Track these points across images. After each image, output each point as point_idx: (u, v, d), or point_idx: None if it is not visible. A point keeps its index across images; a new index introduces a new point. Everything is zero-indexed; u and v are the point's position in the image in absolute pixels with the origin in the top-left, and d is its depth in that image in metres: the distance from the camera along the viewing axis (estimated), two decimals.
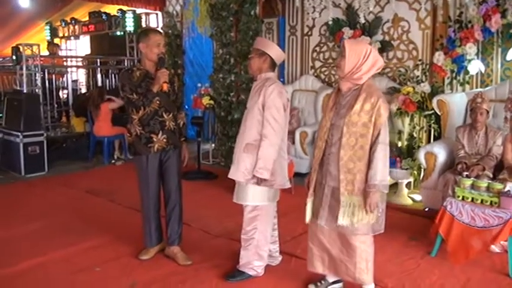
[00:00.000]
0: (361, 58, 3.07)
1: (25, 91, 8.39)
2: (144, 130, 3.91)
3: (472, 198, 4.05)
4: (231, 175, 3.68)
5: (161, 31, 4.32)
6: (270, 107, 3.50)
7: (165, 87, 3.82)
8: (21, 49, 8.52)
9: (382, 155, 3.04)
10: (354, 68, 3.09)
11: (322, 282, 3.54)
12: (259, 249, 3.73)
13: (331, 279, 3.53)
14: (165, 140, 3.95)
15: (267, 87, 3.53)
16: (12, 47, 8.68)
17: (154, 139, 3.92)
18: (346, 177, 3.11)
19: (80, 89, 11.19)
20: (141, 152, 3.97)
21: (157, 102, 3.87)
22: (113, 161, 8.36)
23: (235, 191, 3.77)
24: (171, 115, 3.98)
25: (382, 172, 3.04)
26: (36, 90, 8.68)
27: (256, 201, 3.65)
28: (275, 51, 3.68)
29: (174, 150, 4.05)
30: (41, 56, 9.11)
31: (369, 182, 3.05)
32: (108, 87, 10.75)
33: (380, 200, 3.13)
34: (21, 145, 7.33)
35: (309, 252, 3.53)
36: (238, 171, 3.61)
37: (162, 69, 3.82)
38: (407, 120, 5.96)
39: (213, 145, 8.19)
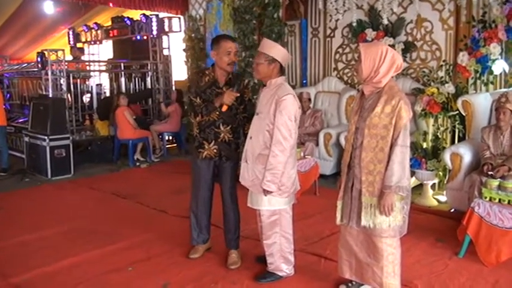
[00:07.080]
0: (377, 61, 3.05)
1: (51, 96, 8.54)
2: (200, 134, 3.96)
3: (499, 199, 4.04)
4: (244, 181, 3.69)
5: (233, 38, 4.24)
6: (282, 117, 3.41)
7: (225, 108, 3.78)
8: (46, 54, 8.67)
9: (400, 157, 3.01)
10: (372, 72, 3.08)
11: (353, 282, 3.54)
12: (284, 253, 3.73)
13: None
14: (215, 151, 3.95)
15: (280, 97, 3.44)
16: (37, 53, 8.84)
17: (206, 146, 3.95)
18: (367, 179, 3.13)
19: (104, 92, 11.31)
20: (191, 153, 4.09)
21: (217, 113, 3.86)
22: (138, 164, 8.45)
23: (249, 195, 3.76)
24: (229, 127, 3.94)
25: (398, 174, 3.00)
26: (62, 94, 8.83)
27: (275, 205, 3.63)
28: (282, 55, 3.55)
29: (229, 161, 4.03)
30: (66, 61, 9.24)
31: (384, 183, 3.04)
32: (131, 91, 10.91)
33: (404, 201, 3.13)
34: (47, 148, 7.48)
35: (338, 256, 3.55)
36: (250, 181, 3.63)
37: (231, 92, 3.76)
38: (431, 121, 5.94)
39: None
